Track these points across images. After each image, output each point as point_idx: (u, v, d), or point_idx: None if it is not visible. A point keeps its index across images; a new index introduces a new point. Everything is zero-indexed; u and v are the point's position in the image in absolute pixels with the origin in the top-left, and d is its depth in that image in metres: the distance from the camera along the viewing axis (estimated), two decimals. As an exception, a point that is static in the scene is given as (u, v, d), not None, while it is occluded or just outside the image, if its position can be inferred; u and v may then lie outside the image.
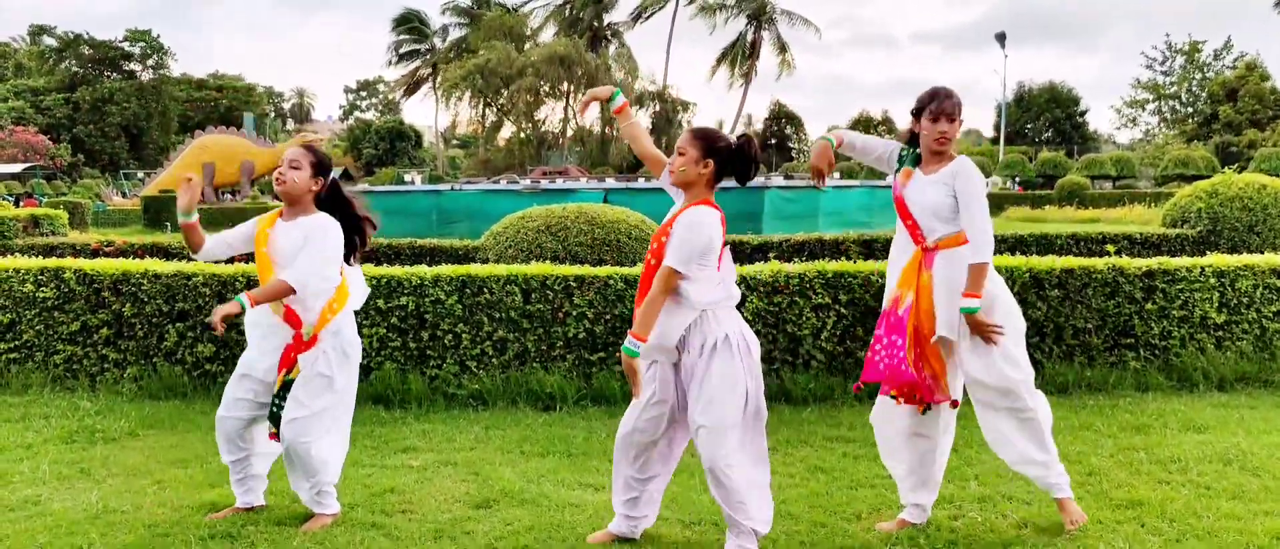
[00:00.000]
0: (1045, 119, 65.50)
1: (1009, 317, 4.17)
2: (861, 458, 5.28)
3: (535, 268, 6.62)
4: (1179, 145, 48.54)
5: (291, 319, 4.25)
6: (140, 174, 54.69)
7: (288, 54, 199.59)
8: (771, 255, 10.36)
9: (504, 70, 53.78)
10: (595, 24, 64.26)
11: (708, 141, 3.85)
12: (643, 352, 3.75)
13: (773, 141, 68.24)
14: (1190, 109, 60.88)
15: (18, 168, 49.66)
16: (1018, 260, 6.76)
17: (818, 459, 5.28)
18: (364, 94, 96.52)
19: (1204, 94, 58.73)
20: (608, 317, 6.54)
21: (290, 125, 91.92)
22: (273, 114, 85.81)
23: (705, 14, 61.84)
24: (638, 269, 6.66)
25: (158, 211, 28.59)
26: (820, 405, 6.35)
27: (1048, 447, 4.23)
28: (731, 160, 3.86)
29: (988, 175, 47.21)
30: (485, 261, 8.67)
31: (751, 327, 6.27)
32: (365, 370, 6.38)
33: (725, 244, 3.89)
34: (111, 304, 6.85)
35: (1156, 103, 63.05)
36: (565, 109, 58.74)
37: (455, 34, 68.79)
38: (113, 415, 6.21)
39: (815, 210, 19.72)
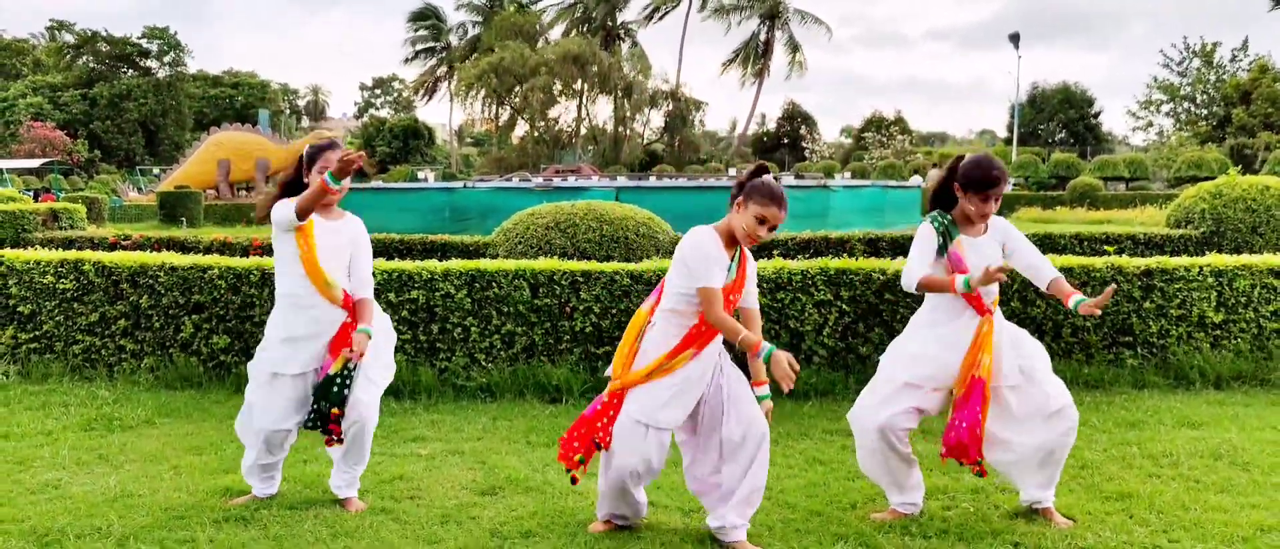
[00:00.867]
0: (1059, 120, 65.34)
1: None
2: (859, 450, 5.39)
3: (543, 263, 6.76)
4: (1192, 147, 48.37)
5: (347, 301, 4.43)
6: (156, 170, 55.05)
7: (302, 50, 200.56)
8: (775, 252, 10.48)
9: (518, 69, 53.99)
10: (608, 22, 64.41)
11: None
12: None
13: (785, 141, 68.24)
14: (1204, 111, 60.68)
15: (36, 163, 50.05)
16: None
17: (816, 451, 5.41)
18: (378, 91, 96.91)
19: (1218, 96, 58.52)
20: (613, 311, 6.67)
21: (305, 122, 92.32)
22: (288, 111, 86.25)
23: (718, 15, 61.95)
24: (644, 265, 6.79)
25: (173, 207, 28.83)
26: (821, 400, 6.47)
27: (1059, 467, 4.39)
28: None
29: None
30: (495, 257, 8.81)
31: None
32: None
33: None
34: (129, 296, 7.01)
35: (1171, 104, 62.84)
36: (579, 107, 58.95)
37: (470, 32, 69.10)
38: (130, 404, 6.38)
39: (825, 209, 19.82)
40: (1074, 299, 4.13)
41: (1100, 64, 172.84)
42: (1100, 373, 6.76)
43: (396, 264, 6.79)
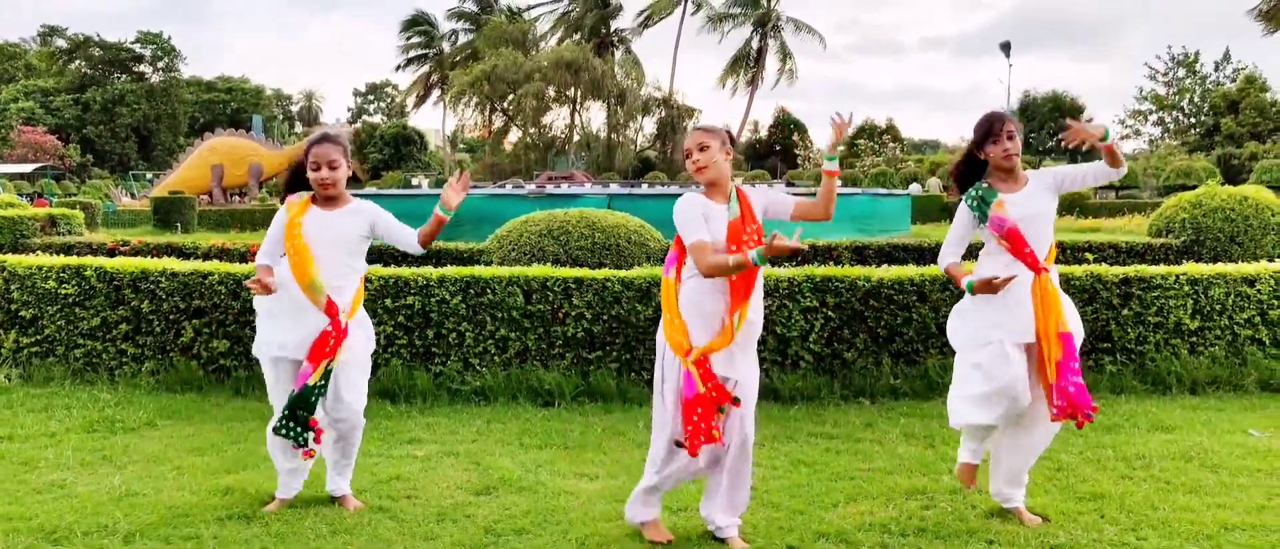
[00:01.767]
0: (1049, 128, 65.68)
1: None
2: (842, 453, 5.57)
3: (536, 270, 6.92)
4: (1181, 156, 48.72)
5: (331, 309, 4.43)
6: (150, 175, 55.11)
7: (295, 54, 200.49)
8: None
9: (510, 75, 54.15)
10: (602, 30, 64.62)
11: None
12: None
13: (777, 148, 68.46)
14: (1192, 120, 61.13)
15: (28, 168, 50.09)
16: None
17: (801, 454, 5.57)
18: (371, 97, 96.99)
19: (1206, 105, 58.97)
20: (605, 317, 6.83)
21: (299, 128, 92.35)
22: (281, 116, 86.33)
23: (712, 24, 62.18)
24: (635, 272, 6.95)
25: (167, 212, 28.91)
26: (807, 404, 6.64)
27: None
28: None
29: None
30: (489, 264, 8.97)
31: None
32: (372, 366, 6.67)
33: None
34: (130, 301, 7.15)
35: (1159, 113, 63.28)
36: (572, 114, 59.11)
37: (462, 39, 69.26)
38: (132, 407, 6.52)
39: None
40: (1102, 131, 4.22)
41: (1093, 74, 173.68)
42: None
43: (392, 270, 6.94)
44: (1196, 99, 61.03)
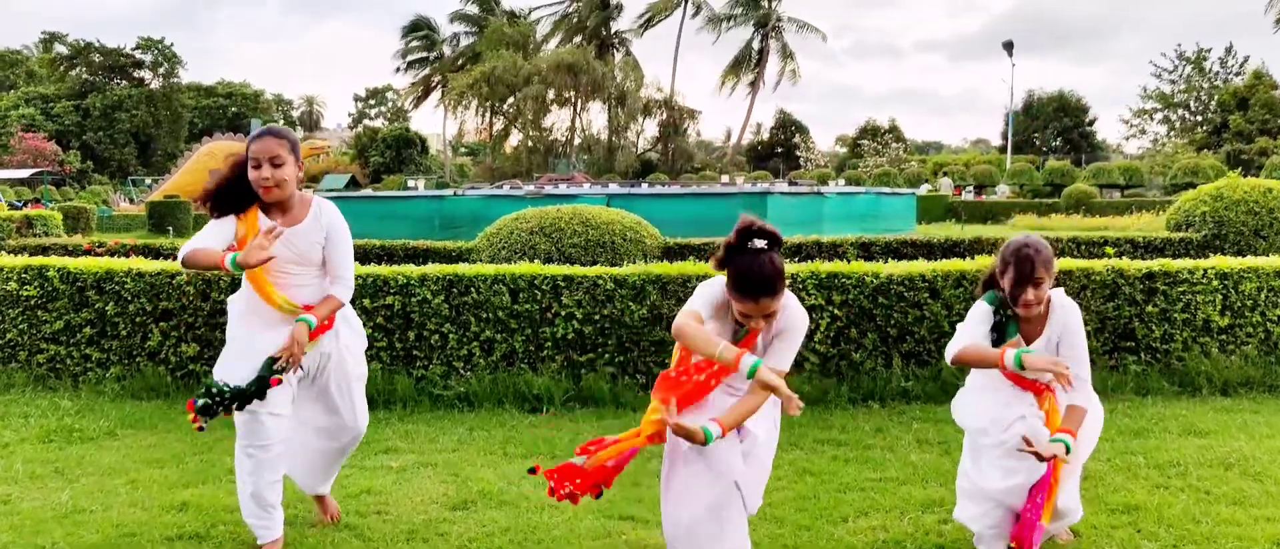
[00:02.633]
0: (1053, 128, 65.26)
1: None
2: (851, 461, 5.16)
3: (523, 267, 6.51)
4: (1188, 154, 48.29)
5: (309, 311, 3.86)
6: (149, 180, 54.80)
7: (296, 59, 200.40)
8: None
9: (510, 78, 53.79)
10: (602, 32, 64.27)
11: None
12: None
13: (779, 150, 68.09)
14: (1199, 117, 60.66)
15: (26, 173, 49.80)
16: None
17: (806, 462, 5.15)
18: (372, 102, 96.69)
19: (1213, 102, 58.51)
20: (597, 317, 6.42)
21: (300, 133, 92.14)
22: (282, 121, 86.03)
23: (712, 25, 61.85)
24: (628, 269, 6.54)
25: (162, 217, 28.57)
26: (813, 408, 6.21)
27: None
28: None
29: (994, 184, 47.05)
30: (478, 262, 8.56)
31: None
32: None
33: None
34: (95, 303, 6.75)
35: (1165, 112, 62.85)
36: (572, 116, 58.75)
37: (463, 42, 68.94)
38: (93, 415, 6.12)
39: (819, 216, 19.56)
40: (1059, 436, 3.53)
41: (1089, 75, 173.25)
42: (1103, 379, 6.51)
43: (371, 269, 6.53)
44: (1203, 96, 60.62)
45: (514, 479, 4.87)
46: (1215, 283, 6.65)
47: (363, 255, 8.82)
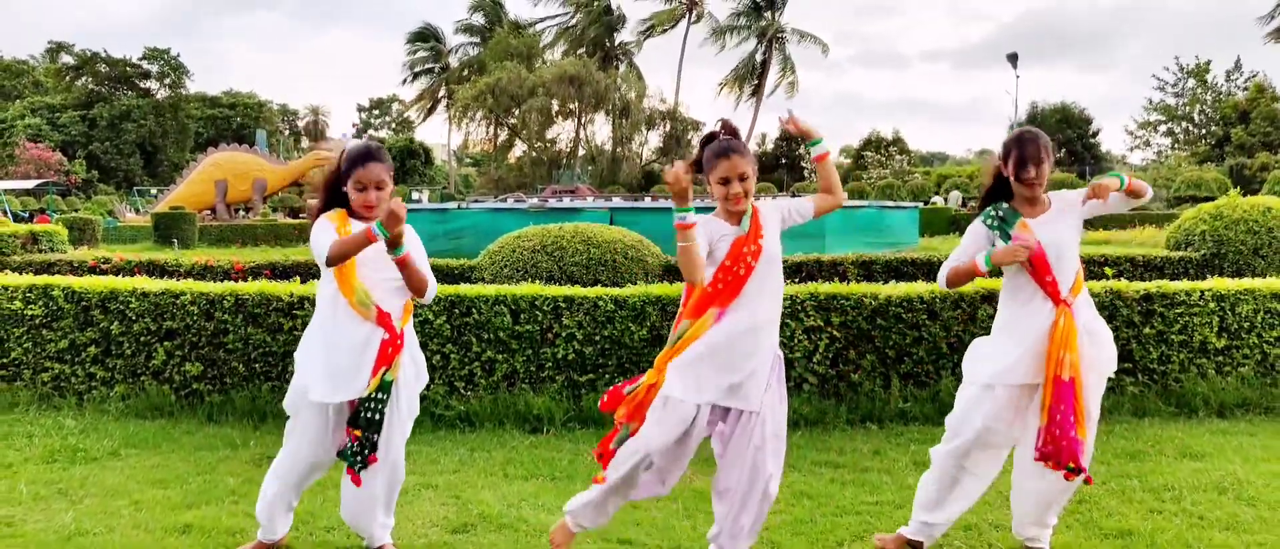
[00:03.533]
0: (1057, 139, 65.30)
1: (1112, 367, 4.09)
2: (849, 484, 5.19)
3: (524, 288, 6.57)
4: (1191, 167, 48.30)
5: (384, 321, 3.96)
6: (155, 191, 54.96)
7: (301, 70, 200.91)
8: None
9: (514, 89, 53.93)
10: (605, 43, 64.43)
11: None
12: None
13: (783, 161, 68.17)
14: (1202, 131, 60.71)
15: (31, 183, 49.98)
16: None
17: (804, 485, 5.19)
18: (376, 112, 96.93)
19: (1216, 116, 58.57)
20: (597, 338, 6.47)
21: (304, 143, 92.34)
22: (286, 131, 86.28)
23: (716, 36, 61.95)
24: (628, 290, 6.59)
25: (167, 228, 28.66)
26: (811, 429, 6.26)
27: (1059, 513, 4.19)
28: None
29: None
30: (481, 280, 8.62)
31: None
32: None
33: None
34: (100, 322, 6.81)
35: (1169, 124, 62.90)
36: (576, 128, 58.87)
37: (468, 53, 69.15)
38: (97, 434, 6.17)
39: (823, 230, 19.60)
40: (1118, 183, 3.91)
41: (1094, 84, 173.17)
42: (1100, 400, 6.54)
43: (374, 289, 6.57)
44: (1207, 109, 60.67)
45: (514, 501, 4.92)
46: (1212, 305, 6.68)
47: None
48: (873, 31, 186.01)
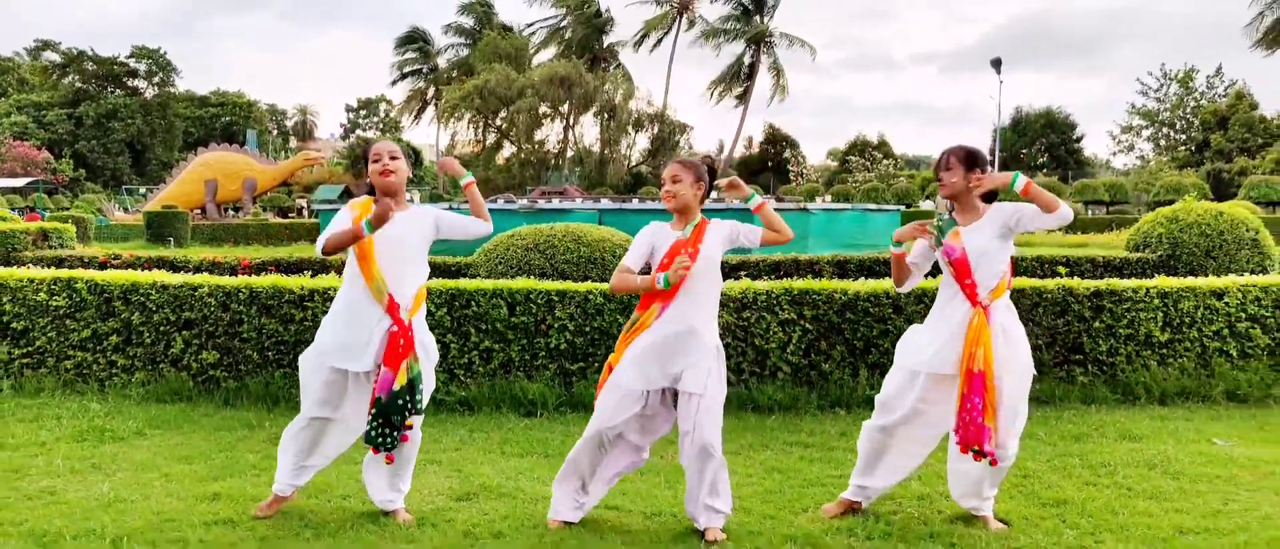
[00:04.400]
0: (1041, 144, 66.10)
1: (1028, 369, 4.60)
2: (816, 461, 5.70)
3: (520, 283, 7.06)
4: (1171, 172, 49.10)
5: (392, 307, 4.46)
6: (143, 190, 55.13)
7: (289, 70, 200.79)
8: (743, 274, 10.82)
9: (503, 91, 54.35)
10: (594, 46, 64.91)
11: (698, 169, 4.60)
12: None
13: (769, 164, 68.77)
14: (1183, 136, 61.59)
15: (20, 182, 50.12)
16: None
17: (776, 461, 5.70)
18: (365, 112, 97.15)
19: (1197, 121, 59.45)
20: (588, 329, 6.97)
21: (293, 143, 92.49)
22: (275, 131, 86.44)
23: (706, 38, 62.47)
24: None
25: (160, 227, 29.02)
26: (784, 414, 6.78)
27: (996, 487, 4.70)
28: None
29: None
30: (476, 277, 9.10)
31: (721, 340, 6.74)
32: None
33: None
34: (121, 313, 7.28)
35: (1151, 129, 63.78)
36: (565, 129, 59.29)
37: (458, 55, 69.54)
38: (121, 416, 6.63)
39: (805, 232, 20.14)
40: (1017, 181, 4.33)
41: (1085, 88, 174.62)
42: (1052, 389, 7.09)
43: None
44: (1188, 115, 61.53)
45: (511, 475, 5.41)
46: (1156, 301, 7.23)
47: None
48: (865, 35, 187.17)
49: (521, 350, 7.02)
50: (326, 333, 4.62)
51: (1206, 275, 9.19)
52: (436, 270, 9.98)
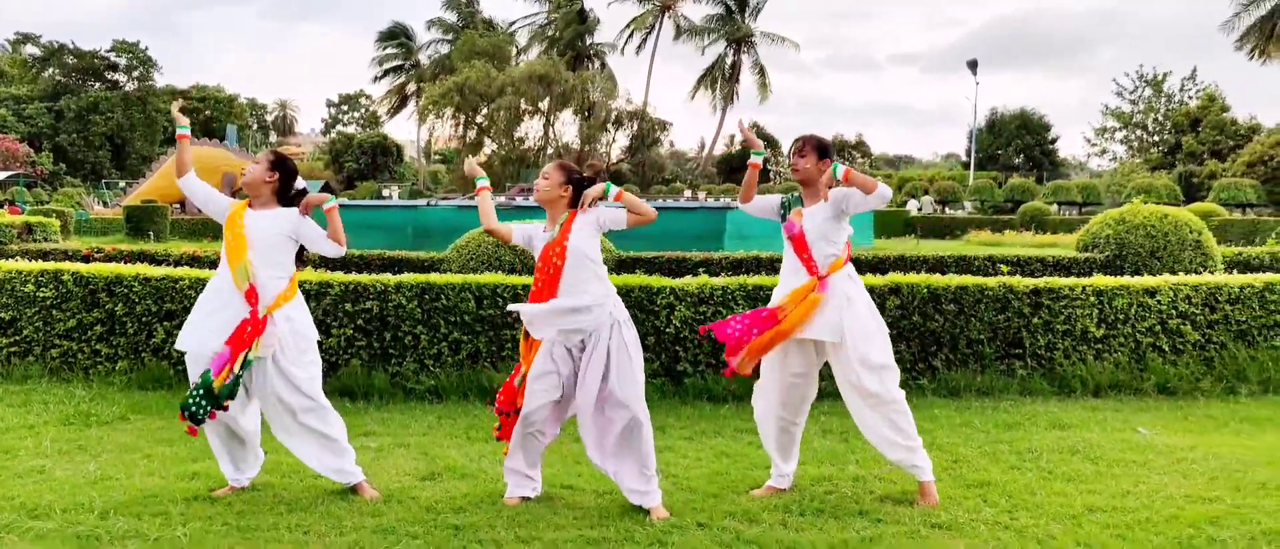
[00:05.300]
0: (1016, 145, 66.81)
1: (875, 318, 5.03)
2: (762, 446, 6.07)
3: (488, 277, 7.41)
4: (1143, 174, 49.79)
5: (251, 296, 4.87)
6: (122, 184, 55.07)
7: (270, 65, 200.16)
8: (702, 271, 11.22)
9: (483, 88, 54.59)
10: (578, 44, 65.18)
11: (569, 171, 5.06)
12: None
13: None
14: (1156, 138, 62.39)
15: (2, 175, 49.98)
16: (916, 278, 7.59)
17: (725, 446, 6.08)
18: (345, 108, 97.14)
19: (1169, 124, 60.23)
20: (552, 322, 7.31)
21: (273, 138, 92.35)
22: (255, 126, 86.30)
23: (688, 36, 62.84)
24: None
25: (139, 221, 29.17)
26: (738, 403, 7.14)
27: (911, 434, 5.06)
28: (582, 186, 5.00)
29: (957, 200, 48.30)
30: (448, 271, 9.43)
31: (679, 333, 7.12)
32: (332, 367, 7.14)
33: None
34: (105, 304, 7.58)
35: (1125, 131, 64.56)
36: (545, 127, 59.58)
37: (438, 51, 69.68)
38: (105, 402, 6.95)
39: (776, 230, 20.42)
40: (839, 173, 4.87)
41: (1065, 90, 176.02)
42: (992, 381, 7.49)
43: (352, 277, 7.41)
44: (1160, 117, 62.31)
45: (475, 457, 5.76)
46: (1092, 298, 7.64)
47: (342, 264, 9.67)
48: (846, 35, 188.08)
49: (489, 342, 7.36)
50: (191, 317, 5.02)
51: (1151, 274, 9.62)
52: (408, 265, 10.31)
